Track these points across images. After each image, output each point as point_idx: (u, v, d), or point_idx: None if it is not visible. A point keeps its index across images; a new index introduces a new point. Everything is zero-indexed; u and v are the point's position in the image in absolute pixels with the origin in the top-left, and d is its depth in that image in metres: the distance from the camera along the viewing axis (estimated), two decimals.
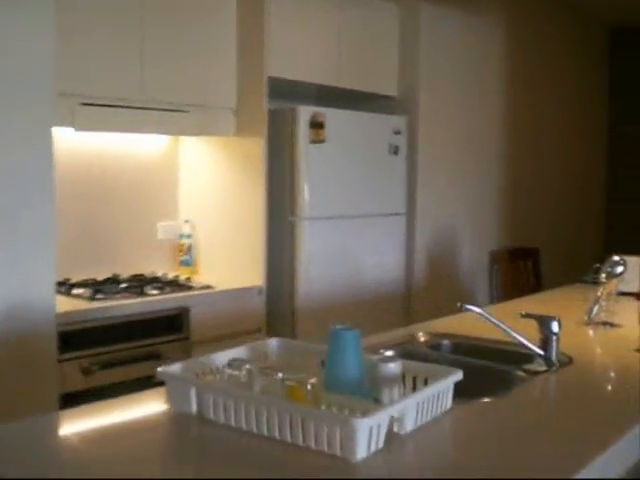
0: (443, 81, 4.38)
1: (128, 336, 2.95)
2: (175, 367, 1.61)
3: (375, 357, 1.65)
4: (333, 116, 3.62)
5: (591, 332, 2.58)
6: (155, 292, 3.14)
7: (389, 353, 2.22)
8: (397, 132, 4.01)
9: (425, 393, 1.50)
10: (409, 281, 4.19)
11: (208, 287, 3.31)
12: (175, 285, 3.29)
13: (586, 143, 6.02)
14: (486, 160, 4.82)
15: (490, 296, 4.87)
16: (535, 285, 5.05)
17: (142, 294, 3.09)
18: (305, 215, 3.55)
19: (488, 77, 4.82)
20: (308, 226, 3.56)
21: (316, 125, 3.54)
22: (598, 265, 2.91)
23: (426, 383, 1.66)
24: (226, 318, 3.32)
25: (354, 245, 3.83)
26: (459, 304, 2.06)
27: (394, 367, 1.61)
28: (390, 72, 4.16)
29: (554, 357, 2.07)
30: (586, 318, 2.66)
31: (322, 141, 3.58)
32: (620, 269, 2.66)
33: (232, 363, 1.54)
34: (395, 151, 4.01)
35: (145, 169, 3.65)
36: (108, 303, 2.92)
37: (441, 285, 4.47)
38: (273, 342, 1.88)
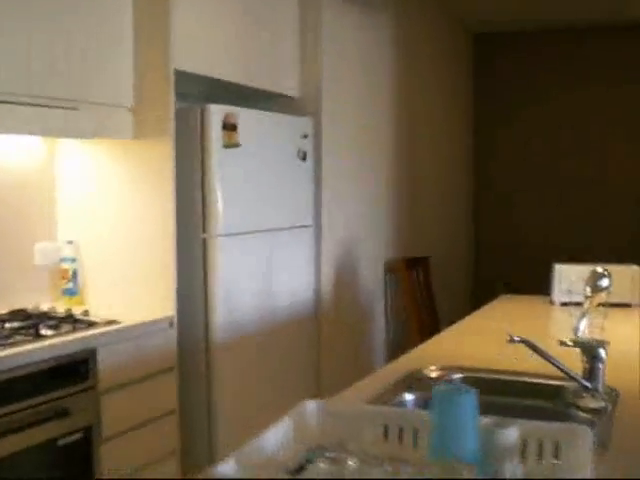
0: (344, 83, 4.05)
1: (27, 392, 2.31)
2: (229, 466, 1.11)
3: (486, 420, 1.26)
4: (245, 117, 3.16)
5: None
6: (51, 332, 2.52)
7: (409, 398, 1.84)
8: (305, 136, 3.62)
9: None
10: (318, 302, 3.81)
11: (113, 322, 2.73)
12: (73, 322, 2.67)
13: (453, 148, 5.96)
14: (379, 167, 4.55)
15: (385, 307, 4.63)
16: (427, 295, 4.87)
17: (38, 336, 2.46)
18: (219, 231, 3.05)
19: (381, 82, 4.56)
20: (223, 244, 3.07)
21: (229, 127, 3.07)
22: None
23: (541, 446, 1.30)
24: (134, 358, 2.76)
25: (270, 264, 3.39)
26: (508, 336, 1.71)
27: (513, 433, 1.24)
28: (291, 70, 3.75)
29: (601, 389, 1.80)
30: (573, 337, 2.44)
31: (236, 145, 3.11)
32: (606, 282, 2.45)
33: (335, 456, 1.08)
34: (303, 157, 3.62)
35: (15, 179, 2.98)
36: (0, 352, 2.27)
37: (346, 302, 4.14)
38: (310, 407, 1.42)
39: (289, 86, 3.72)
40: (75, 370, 2.49)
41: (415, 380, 1.96)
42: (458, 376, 2.01)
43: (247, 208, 3.21)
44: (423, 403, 1.83)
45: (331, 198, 3.89)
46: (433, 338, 2.50)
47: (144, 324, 2.80)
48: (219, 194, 3.03)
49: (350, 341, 4.22)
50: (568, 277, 3.13)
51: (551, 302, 3.20)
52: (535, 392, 1.95)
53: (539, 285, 5.90)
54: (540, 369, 2.05)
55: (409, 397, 1.84)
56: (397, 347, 4.86)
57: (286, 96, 3.72)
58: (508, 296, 3.41)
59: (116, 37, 2.86)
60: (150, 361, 2.83)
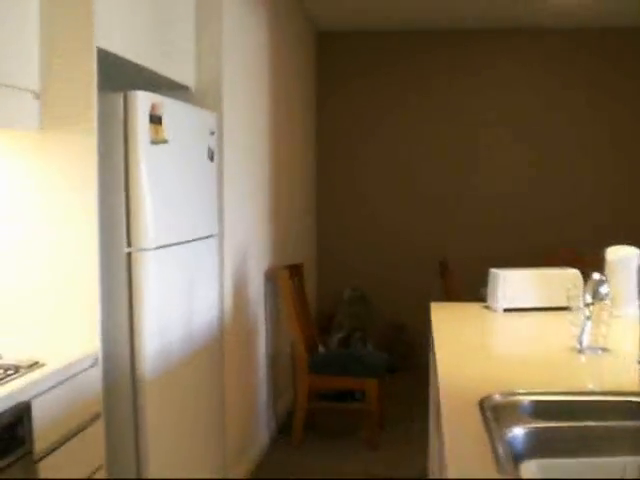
0: (238, 77, 3.62)
1: None
2: None
3: None
4: (167, 108, 2.67)
5: (599, 361, 2.22)
6: None
7: (518, 432, 1.57)
8: (212, 132, 3.17)
9: None
10: (222, 319, 3.37)
11: (35, 365, 2.13)
12: None
13: (303, 148, 5.72)
14: (260, 170, 4.18)
15: (266, 317, 4.28)
16: (303, 302, 4.60)
17: None
18: (147, 244, 2.54)
19: (262, 80, 4.19)
20: (151, 259, 2.56)
21: (155, 119, 2.56)
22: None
23: None
24: (64, 410, 2.18)
25: (189, 280, 2.91)
26: None
27: None
28: (187, 57, 3.27)
29: None
30: (578, 346, 2.31)
31: (164, 141, 2.61)
32: (605, 288, 2.35)
33: None
34: (212, 156, 3.17)
35: None
36: None
37: (241, 316, 3.73)
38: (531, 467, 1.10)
39: (186, 74, 3.23)
40: (10, 434, 1.89)
41: (497, 410, 1.69)
42: (524, 402, 1.77)
43: (171, 216, 2.72)
44: (536, 437, 1.58)
45: (231, 203, 3.47)
46: (437, 361, 2.22)
47: (72, 365, 2.23)
48: (147, 200, 2.51)
49: (245, 356, 3.82)
50: (511, 283, 3.03)
51: (488, 308, 3.08)
52: (613, 411, 1.77)
53: (381, 288, 5.91)
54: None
55: (518, 431, 1.58)
56: (279, 357, 4.53)
57: (181, 86, 3.23)
58: (439, 304, 3.24)
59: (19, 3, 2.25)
60: (76, 411, 2.26)
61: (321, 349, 4.94)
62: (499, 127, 6.09)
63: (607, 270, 2.98)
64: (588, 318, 2.33)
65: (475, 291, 4.99)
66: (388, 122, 6.15)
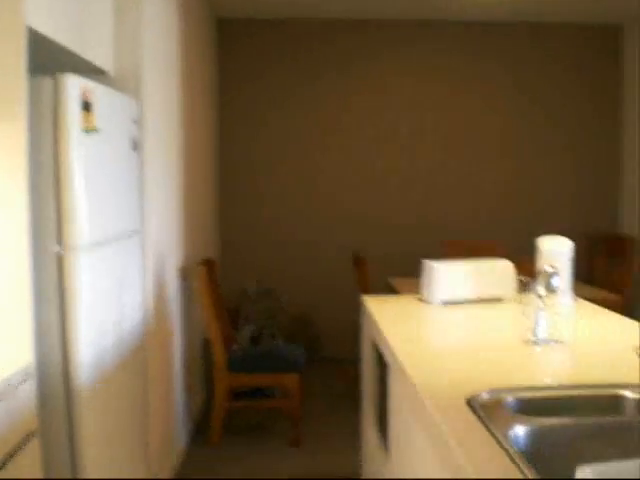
0: (156, 64, 3.40)
1: None
2: None
3: None
4: (97, 94, 2.45)
5: (558, 353, 2.23)
6: None
7: (520, 432, 1.53)
8: (135, 121, 2.96)
9: None
10: (145, 322, 3.17)
11: None
12: None
13: (208, 139, 5.52)
14: (173, 162, 3.96)
15: (181, 317, 4.10)
16: (219, 298, 4.44)
17: None
18: (79, 243, 2.32)
19: (174, 68, 3.97)
20: (83, 259, 2.34)
21: (86, 106, 2.35)
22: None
23: None
24: None
25: (119, 281, 2.70)
26: None
27: None
28: (105, 40, 3.03)
29: None
30: (532, 337, 2.30)
31: (94, 129, 2.39)
32: (557, 280, 2.35)
33: None
34: (135, 146, 2.96)
35: None
36: None
37: (162, 318, 3.53)
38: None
39: (104, 58, 2.99)
40: None
41: (486, 409, 1.65)
42: (509, 399, 1.73)
43: (102, 212, 2.50)
44: (537, 435, 1.55)
45: (150, 198, 3.26)
46: (401, 360, 2.15)
47: (5, 381, 2.00)
48: (79, 193, 2.30)
49: (165, 358, 3.62)
50: (446, 275, 3.00)
51: (422, 301, 3.04)
52: (592, 406, 1.77)
53: (283, 282, 5.82)
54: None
55: (520, 430, 1.54)
56: (192, 356, 4.34)
57: (99, 70, 2.98)
58: (372, 297, 3.17)
59: None
60: (12, 431, 2.03)
61: (234, 346, 4.80)
62: (404, 117, 6.11)
63: (540, 260, 3.02)
64: (542, 310, 2.34)
65: (382, 282, 5.03)
66: (290, 112, 6.04)
